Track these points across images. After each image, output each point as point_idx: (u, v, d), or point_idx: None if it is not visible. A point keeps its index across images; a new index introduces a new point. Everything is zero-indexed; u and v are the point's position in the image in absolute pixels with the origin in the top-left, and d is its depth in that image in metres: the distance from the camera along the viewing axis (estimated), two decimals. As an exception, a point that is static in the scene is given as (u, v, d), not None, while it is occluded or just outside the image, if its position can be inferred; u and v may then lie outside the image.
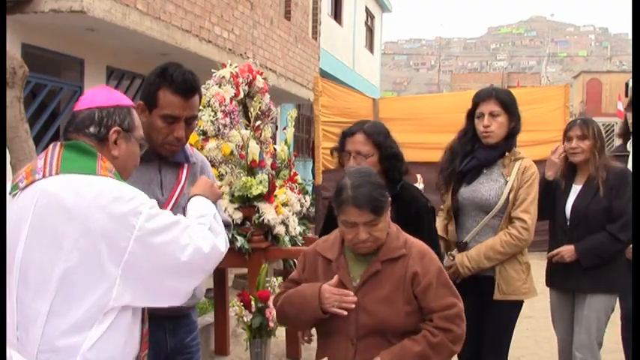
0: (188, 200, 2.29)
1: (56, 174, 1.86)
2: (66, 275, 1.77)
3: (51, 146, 1.97)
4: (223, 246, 2.06)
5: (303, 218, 5.23)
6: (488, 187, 3.41)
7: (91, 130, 1.97)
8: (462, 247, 3.47)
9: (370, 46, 24.66)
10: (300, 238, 4.85)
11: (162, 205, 2.39)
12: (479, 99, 3.48)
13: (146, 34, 7.90)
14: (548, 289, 4.00)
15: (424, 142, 8.73)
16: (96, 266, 1.77)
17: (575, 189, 3.83)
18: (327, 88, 8.11)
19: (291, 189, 4.83)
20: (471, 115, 3.51)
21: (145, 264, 1.82)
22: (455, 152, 3.56)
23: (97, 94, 2.07)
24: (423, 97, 12.02)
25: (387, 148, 2.92)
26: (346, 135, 2.98)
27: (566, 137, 3.86)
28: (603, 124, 30.63)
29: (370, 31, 24.58)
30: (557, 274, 3.85)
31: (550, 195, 3.84)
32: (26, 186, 1.86)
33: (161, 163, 2.52)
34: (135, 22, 7.64)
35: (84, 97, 2.08)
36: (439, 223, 3.61)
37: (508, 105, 3.41)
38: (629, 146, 4.24)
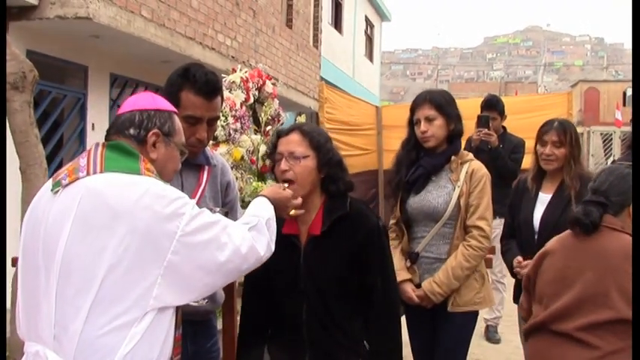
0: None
1: (100, 172, 1.86)
2: (109, 273, 1.75)
3: (93, 146, 1.99)
4: (264, 249, 2.02)
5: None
6: (437, 194, 3.25)
7: (131, 131, 1.99)
8: (414, 258, 3.30)
9: (370, 54, 24.73)
10: (310, 243, 4.81)
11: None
12: (414, 105, 3.33)
13: (150, 40, 7.90)
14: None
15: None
16: (139, 264, 1.77)
17: (543, 198, 3.58)
18: (331, 96, 8.10)
19: (301, 195, 4.81)
20: (411, 123, 3.35)
21: (186, 263, 1.82)
22: (400, 162, 3.41)
23: (140, 98, 2.11)
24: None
25: (327, 151, 2.58)
26: (279, 135, 2.64)
27: (540, 140, 3.57)
28: (602, 133, 30.70)
29: (370, 40, 24.65)
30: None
31: (517, 198, 3.65)
32: (69, 183, 1.87)
33: (182, 165, 2.49)
34: (139, 29, 7.64)
35: (127, 101, 2.11)
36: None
37: (443, 107, 3.26)
38: None
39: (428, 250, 3.27)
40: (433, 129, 3.23)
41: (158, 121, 2.03)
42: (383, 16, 25.63)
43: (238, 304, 4.82)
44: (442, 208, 3.20)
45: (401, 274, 3.24)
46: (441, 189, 3.25)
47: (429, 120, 3.23)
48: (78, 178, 1.86)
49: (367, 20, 23.84)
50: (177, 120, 2.10)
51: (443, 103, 3.26)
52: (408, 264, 3.31)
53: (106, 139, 2.02)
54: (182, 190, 2.44)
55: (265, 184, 4.36)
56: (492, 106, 5.58)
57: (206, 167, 2.57)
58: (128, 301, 1.76)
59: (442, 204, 3.21)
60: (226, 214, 2.32)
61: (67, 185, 1.87)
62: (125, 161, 1.90)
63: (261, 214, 2.13)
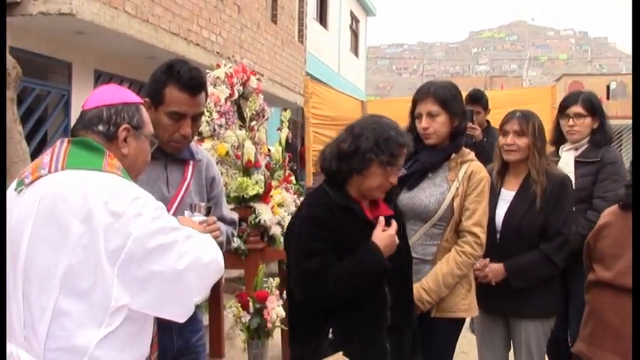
0: (192, 206, 2.29)
1: (62, 170, 1.83)
2: (69, 272, 1.73)
3: (58, 142, 1.94)
4: (222, 262, 1.96)
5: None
6: (430, 192, 3.06)
7: (100, 128, 1.94)
8: None
9: (355, 49, 24.74)
10: (295, 239, 4.81)
11: (168, 202, 2.39)
12: (417, 97, 3.12)
13: (134, 36, 7.87)
14: None
15: (412, 143, 8.76)
16: (97, 264, 1.73)
17: (507, 195, 3.44)
18: (317, 90, 8.11)
19: (287, 189, 4.82)
20: (413, 114, 3.14)
21: (141, 267, 1.76)
22: None
23: (105, 91, 2.05)
24: (408, 99, 11.95)
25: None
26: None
27: (502, 131, 3.44)
28: (586, 126, 30.78)
29: (355, 34, 24.67)
30: (486, 295, 3.35)
31: None
32: (32, 182, 1.84)
33: (167, 160, 2.51)
34: (123, 25, 7.61)
35: (92, 95, 2.04)
36: None
37: (447, 102, 3.04)
38: (561, 152, 4.00)
39: (413, 251, 3.02)
40: (435, 126, 3.05)
41: (127, 115, 1.97)
42: (368, 10, 25.64)
43: (224, 300, 4.84)
44: (433, 208, 3.03)
45: None
46: (435, 187, 3.07)
47: (431, 116, 3.04)
48: (40, 177, 1.83)
49: (352, 15, 23.83)
50: (144, 111, 2.05)
51: (448, 99, 3.05)
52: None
53: (72, 136, 1.97)
54: (167, 185, 2.47)
55: (250, 179, 4.36)
56: (476, 100, 5.61)
57: (191, 162, 2.57)
58: (91, 300, 1.74)
59: (434, 203, 3.03)
60: (209, 209, 2.32)
61: (29, 184, 1.84)
62: (88, 157, 1.86)
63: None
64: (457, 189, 3.03)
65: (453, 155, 3.11)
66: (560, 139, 4.07)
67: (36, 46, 7.65)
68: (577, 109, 3.91)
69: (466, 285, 3.12)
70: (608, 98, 34.00)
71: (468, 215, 3.03)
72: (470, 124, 5.14)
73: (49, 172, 1.83)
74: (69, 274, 1.73)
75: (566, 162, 3.87)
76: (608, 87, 35.90)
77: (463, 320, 3.22)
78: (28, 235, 1.77)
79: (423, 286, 3.00)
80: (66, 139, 1.94)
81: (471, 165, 3.10)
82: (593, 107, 3.92)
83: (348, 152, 2.50)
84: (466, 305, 3.11)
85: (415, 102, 3.13)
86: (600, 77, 39.35)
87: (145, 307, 1.82)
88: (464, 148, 3.18)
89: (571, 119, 3.91)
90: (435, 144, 3.10)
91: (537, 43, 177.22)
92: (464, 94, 5.78)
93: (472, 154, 3.19)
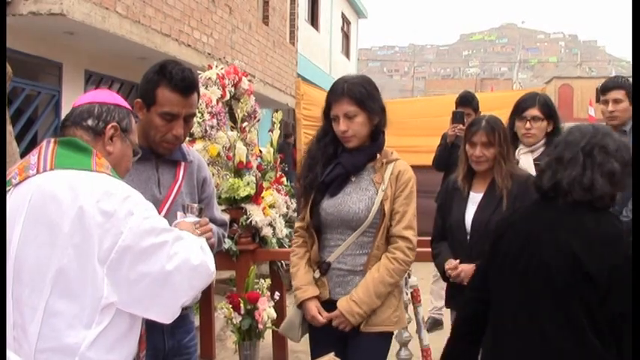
0: (185, 207, 2.28)
1: (51, 169, 1.83)
2: (61, 272, 1.73)
3: (44, 142, 1.93)
4: (212, 266, 1.96)
5: (287, 222, 5.21)
6: (357, 198, 2.83)
7: (89, 122, 1.95)
8: (325, 268, 2.87)
9: (346, 51, 24.80)
10: (287, 240, 4.83)
11: (159, 204, 2.39)
12: (331, 98, 2.86)
13: (125, 37, 7.85)
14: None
15: (401, 145, 8.76)
16: (88, 263, 1.73)
17: (475, 197, 3.43)
18: (308, 92, 8.11)
19: (278, 191, 4.83)
20: (327, 115, 2.89)
21: (130, 266, 1.76)
22: (315, 157, 2.93)
23: (100, 92, 2.08)
24: (400, 101, 12.00)
25: None
26: None
27: (470, 142, 3.41)
28: (575, 129, 30.98)
29: (346, 36, 24.73)
30: (459, 297, 3.26)
31: (448, 199, 3.50)
32: (20, 182, 1.83)
33: (158, 161, 2.51)
34: (114, 26, 7.59)
35: (85, 94, 2.08)
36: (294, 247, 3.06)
37: (364, 101, 2.79)
38: (518, 155, 3.93)
39: (341, 261, 2.85)
40: (355, 127, 2.80)
41: (117, 116, 1.99)
42: (359, 12, 25.70)
43: (215, 301, 4.84)
44: (363, 215, 2.80)
45: (308, 289, 2.87)
46: (362, 192, 2.84)
47: (348, 117, 2.79)
48: (28, 177, 1.83)
49: (344, 17, 23.89)
50: (134, 120, 2.07)
51: (364, 97, 2.79)
52: (317, 275, 2.90)
53: (61, 130, 1.97)
54: (158, 186, 2.47)
55: (241, 180, 4.37)
56: (467, 102, 5.63)
57: (182, 163, 2.57)
58: (83, 299, 1.74)
59: (363, 210, 2.80)
60: (201, 210, 2.32)
61: (17, 184, 1.83)
62: (77, 157, 1.86)
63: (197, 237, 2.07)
64: (385, 191, 2.83)
65: (377, 156, 2.90)
66: (513, 140, 4.04)
67: (26, 47, 7.61)
68: (534, 112, 3.85)
69: (398, 295, 2.93)
70: (597, 101, 34.22)
71: (398, 219, 2.82)
72: (460, 125, 5.18)
73: (38, 172, 1.83)
74: (61, 274, 1.73)
75: (528, 165, 3.87)
76: (597, 90, 36.24)
77: (392, 333, 3.00)
78: (18, 235, 1.76)
79: (353, 298, 2.78)
80: (52, 140, 1.94)
81: (396, 165, 2.89)
82: (550, 110, 3.89)
83: (621, 173, 2.24)
84: (397, 317, 2.91)
85: (329, 103, 2.87)
86: (589, 80, 39.59)
87: (131, 307, 1.82)
88: (387, 148, 2.96)
89: (528, 122, 3.86)
90: (357, 146, 2.87)
91: (527, 46, 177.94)
92: (454, 97, 5.83)
93: (396, 154, 2.96)
